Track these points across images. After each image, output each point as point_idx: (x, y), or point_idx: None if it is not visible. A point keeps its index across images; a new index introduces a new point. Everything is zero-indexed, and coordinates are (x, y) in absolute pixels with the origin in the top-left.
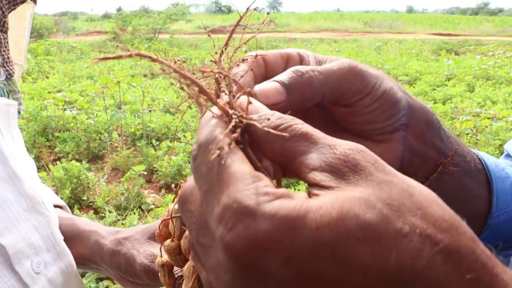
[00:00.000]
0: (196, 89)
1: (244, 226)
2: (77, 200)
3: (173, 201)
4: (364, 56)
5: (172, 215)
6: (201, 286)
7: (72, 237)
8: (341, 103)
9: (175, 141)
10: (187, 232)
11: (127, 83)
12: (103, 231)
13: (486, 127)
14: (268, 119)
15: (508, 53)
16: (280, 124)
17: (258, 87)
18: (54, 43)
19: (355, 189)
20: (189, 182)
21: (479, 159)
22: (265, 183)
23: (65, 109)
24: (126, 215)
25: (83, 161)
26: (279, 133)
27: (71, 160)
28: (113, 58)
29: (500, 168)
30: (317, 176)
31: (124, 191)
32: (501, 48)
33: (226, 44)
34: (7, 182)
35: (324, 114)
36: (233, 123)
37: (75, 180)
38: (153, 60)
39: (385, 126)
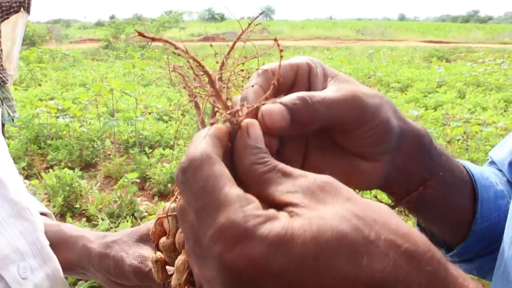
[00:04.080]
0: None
1: (243, 247)
2: (70, 208)
3: (168, 200)
4: (356, 63)
5: (168, 213)
6: (194, 281)
7: (58, 243)
8: (336, 129)
9: (167, 149)
10: None
11: (120, 91)
12: (91, 235)
13: (477, 133)
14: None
15: (498, 60)
16: (263, 159)
17: (265, 108)
18: (47, 50)
19: (326, 205)
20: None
21: (467, 171)
22: (256, 206)
23: (57, 117)
24: (119, 223)
25: (76, 169)
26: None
27: (63, 168)
28: (148, 38)
29: (485, 177)
30: (290, 197)
31: (117, 199)
32: (491, 55)
33: (228, 53)
34: None
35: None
36: (228, 117)
37: (67, 188)
38: (176, 48)
39: (375, 151)
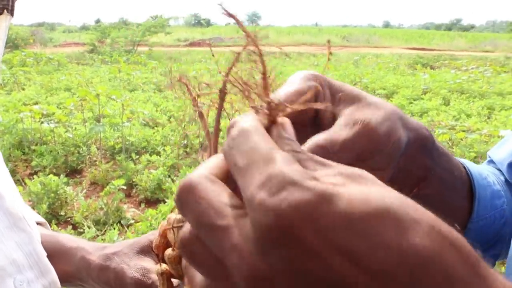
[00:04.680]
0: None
1: (288, 193)
2: (55, 216)
3: (172, 211)
4: (342, 70)
5: (174, 225)
6: None
7: (55, 254)
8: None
9: (154, 155)
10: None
11: (106, 96)
12: (89, 247)
13: (461, 139)
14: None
15: (481, 68)
16: (299, 149)
17: None
18: (31, 54)
19: (367, 185)
20: (193, 173)
21: (466, 170)
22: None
23: (42, 122)
24: (105, 231)
25: (61, 175)
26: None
27: (48, 174)
28: (231, 15)
29: (483, 177)
30: (331, 179)
31: (103, 206)
32: (474, 63)
33: (234, 62)
34: None
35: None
36: (266, 110)
37: (52, 194)
38: (241, 26)
39: (383, 165)
